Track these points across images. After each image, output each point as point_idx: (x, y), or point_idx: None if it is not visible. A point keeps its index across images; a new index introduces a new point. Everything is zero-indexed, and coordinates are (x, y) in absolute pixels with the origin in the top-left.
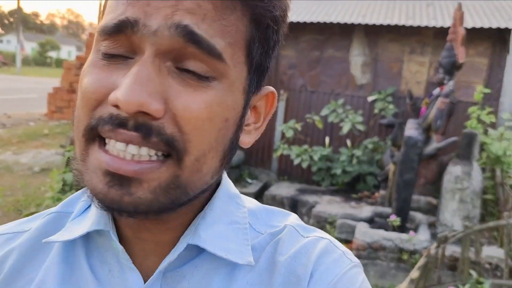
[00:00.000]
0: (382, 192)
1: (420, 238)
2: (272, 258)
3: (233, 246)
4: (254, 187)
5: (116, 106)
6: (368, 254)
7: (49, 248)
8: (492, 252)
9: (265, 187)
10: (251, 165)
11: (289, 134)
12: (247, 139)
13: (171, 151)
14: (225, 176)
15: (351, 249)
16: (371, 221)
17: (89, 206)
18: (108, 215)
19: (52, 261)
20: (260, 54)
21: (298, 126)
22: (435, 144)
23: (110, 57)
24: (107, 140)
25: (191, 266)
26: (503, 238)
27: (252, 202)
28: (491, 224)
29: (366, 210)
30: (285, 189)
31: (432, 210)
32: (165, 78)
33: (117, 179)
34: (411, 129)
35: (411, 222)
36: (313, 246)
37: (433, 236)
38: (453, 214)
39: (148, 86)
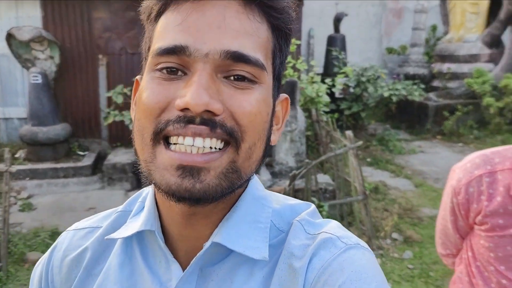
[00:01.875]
0: None
1: (263, 179)
2: (280, 255)
3: (252, 243)
4: (89, 159)
5: (184, 110)
6: None
7: (114, 242)
8: (320, 179)
9: (100, 157)
10: (79, 137)
11: (119, 100)
12: (273, 137)
13: (231, 140)
14: (254, 179)
15: None
16: None
17: (143, 207)
18: (156, 216)
19: (114, 253)
20: (280, 63)
21: (127, 91)
22: None
23: (169, 72)
24: (174, 139)
25: (221, 262)
26: (328, 166)
27: (279, 202)
28: (323, 157)
29: None
30: (123, 156)
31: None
32: (218, 85)
33: (188, 170)
34: None
35: None
36: (312, 241)
37: (272, 174)
38: (286, 153)
39: (209, 90)
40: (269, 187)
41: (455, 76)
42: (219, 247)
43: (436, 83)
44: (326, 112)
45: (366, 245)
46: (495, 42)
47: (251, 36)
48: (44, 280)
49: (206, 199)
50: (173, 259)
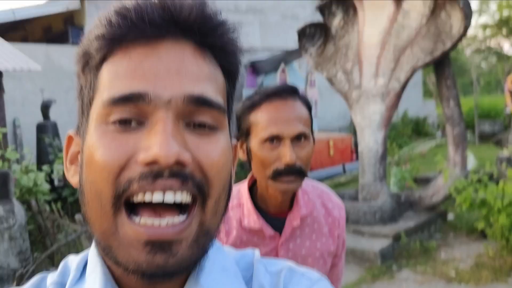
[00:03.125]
0: None
1: None
2: None
3: (230, 284)
4: None
5: (149, 164)
6: None
7: None
8: None
9: None
10: None
11: None
12: None
13: (198, 195)
14: None
15: None
16: None
17: (80, 275)
18: (113, 284)
19: None
20: (230, 108)
21: None
22: None
23: (124, 123)
24: (140, 196)
25: None
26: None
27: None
28: (54, 247)
29: None
30: None
31: None
32: (183, 134)
33: (158, 245)
34: None
35: None
36: (278, 277)
37: None
38: (6, 253)
39: (176, 139)
40: None
41: None
42: None
43: None
44: (48, 202)
45: None
46: None
47: (210, 80)
48: None
49: (181, 272)
50: None
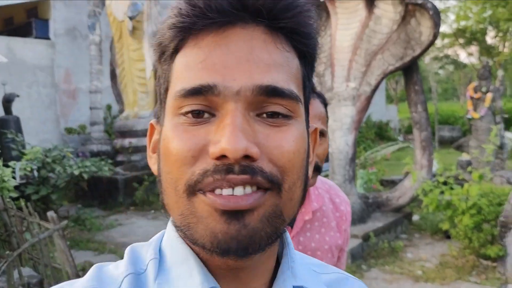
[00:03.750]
0: None
1: None
2: None
3: (315, 283)
4: None
5: (220, 158)
6: None
7: None
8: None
9: None
10: None
11: None
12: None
13: (271, 186)
14: None
15: None
16: None
17: (158, 264)
18: (207, 271)
19: None
20: (308, 93)
21: None
22: None
23: (197, 115)
24: (216, 191)
25: None
26: (26, 257)
27: None
28: (27, 244)
29: None
30: None
31: None
32: (253, 125)
33: (233, 214)
34: None
35: None
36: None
37: None
38: None
39: (245, 133)
40: None
41: (137, 150)
42: None
43: (120, 157)
44: (13, 199)
45: None
46: None
47: (282, 67)
48: None
49: (253, 247)
50: None
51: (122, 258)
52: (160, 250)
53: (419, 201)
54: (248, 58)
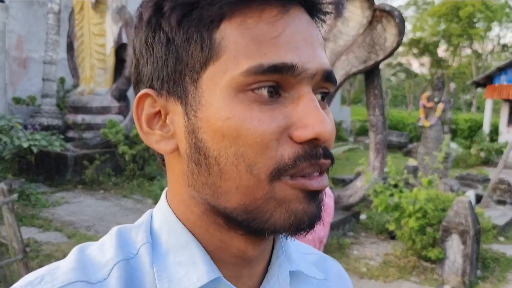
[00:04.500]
0: None
1: None
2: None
3: (309, 266)
4: None
5: (307, 141)
6: None
7: None
8: None
9: None
10: None
11: None
12: None
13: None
14: None
15: None
16: None
17: (151, 248)
18: (209, 259)
19: None
20: None
21: None
22: None
23: (264, 95)
24: (308, 175)
25: None
26: None
27: None
28: None
29: None
30: None
31: None
32: None
33: (314, 195)
34: None
35: None
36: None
37: None
38: None
39: (326, 115)
40: None
41: (90, 127)
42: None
43: (72, 133)
44: None
45: None
46: (122, 96)
47: (324, 49)
48: None
49: (317, 221)
50: None
51: (68, 237)
52: (152, 234)
53: (368, 201)
54: (312, 40)
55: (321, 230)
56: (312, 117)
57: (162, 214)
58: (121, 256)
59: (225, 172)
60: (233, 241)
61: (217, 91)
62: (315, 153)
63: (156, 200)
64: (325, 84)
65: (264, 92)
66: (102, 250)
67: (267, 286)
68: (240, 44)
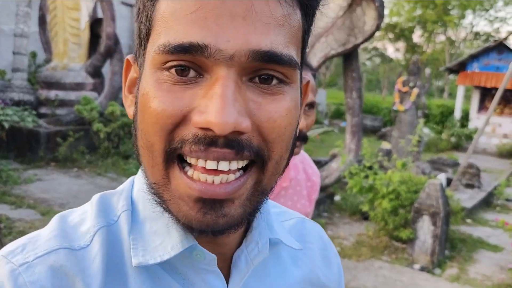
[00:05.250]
0: None
1: None
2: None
3: (287, 235)
4: None
5: (204, 128)
6: None
7: (123, 270)
8: None
9: None
10: None
11: None
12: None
13: (257, 159)
14: None
15: None
16: None
17: (130, 216)
18: (185, 230)
19: (136, 281)
20: (305, 47)
21: None
22: None
23: (180, 72)
24: (193, 161)
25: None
26: None
27: None
28: None
29: None
30: None
31: None
32: (244, 93)
33: (210, 204)
34: None
35: None
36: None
37: None
38: None
39: (235, 105)
40: None
41: (63, 103)
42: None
43: (44, 110)
44: None
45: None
46: (97, 73)
47: (282, 28)
48: None
49: (232, 229)
50: (216, 270)
51: (42, 214)
52: (132, 202)
53: (342, 182)
54: (245, 15)
55: (307, 206)
56: (210, 104)
57: (139, 183)
58: (102, 222)
59: (140, 147)
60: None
61: (147, 66)
62: (207, 138)
63: None
64: (268, 66)
65: (173, 71)
66: (84, 218)
67: (245, 250)
68: (164, 19)
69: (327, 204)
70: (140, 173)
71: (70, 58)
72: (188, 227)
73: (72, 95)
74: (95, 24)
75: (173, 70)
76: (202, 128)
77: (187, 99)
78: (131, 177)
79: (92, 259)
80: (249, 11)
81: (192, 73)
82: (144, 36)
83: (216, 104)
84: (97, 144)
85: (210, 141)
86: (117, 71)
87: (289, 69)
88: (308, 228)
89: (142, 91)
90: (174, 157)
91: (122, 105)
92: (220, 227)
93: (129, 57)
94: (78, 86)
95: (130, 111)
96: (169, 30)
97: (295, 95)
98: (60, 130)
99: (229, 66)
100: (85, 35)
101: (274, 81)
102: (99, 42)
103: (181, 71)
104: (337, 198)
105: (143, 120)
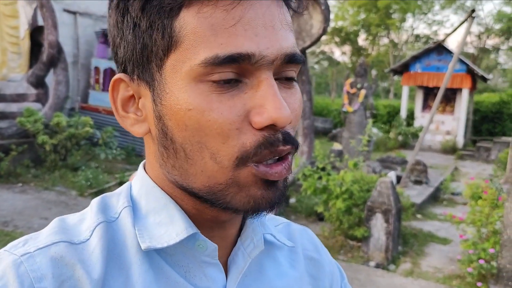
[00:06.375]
0: None
1: None
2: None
3: (279, 234)
4: None
5: (265, 127)
6: None
7: (126, 260)
8: None
9: None
10: None
11: None
12: None
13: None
14: None
15: None
16: None
17: (131, 211)
18: (187, 218)
19: (139, 270)
20: None
21: None
22: None
23: (223, 84)
24: (269, 161)
25: (267, 255)
26: None
27: None
28: None
29: None
30: None
31: None
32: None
33: (272, 182)
34: None
35: None
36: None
37: None
38: None
39: (283, 101)
40: None
41: (4, 116)
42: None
43: None
44: None
45: None
46: (40, 83)
47: (292, 32)
48: None
49: (277, 204)
50: (217, 262)
51: None
52: (132, 200)
53: (297, 185)
54: (273, 24)
55: None
56: (268, 103)
57: (140, 182)
58: (102, 218)
59: (190, 158)
60: (206, 209)
61: (179, 80)
62: (274, 140)
63: (81, 191)
64: (289, 67)
65: (223, 82)
66: (83, 218)
67: (241, 246)
68: (198, 34)
69: (282, 207)
70: (139, 175)
71: (9, 68)
72: (247, 211)
73: (13, 107)
74: (36, 32)
75: (220, 82)
76: (263, 129)
77: (239, 105)
78: (127, 182)
79: (92, 250)
80: (275, 21)
81: (233, 82)
82: (157, 52)
83: (273, 102)
84: (43, 157)
85: (277, 140)
86: (62, 80)
87: (299, 67)
88: (293, 229)
89: (181, 106)
90: (249, 162)
91: (69, 115)
92: (274, 200)
93: (121, 76)
94: (20, 97)
95: (136, 129)
96: (209, 44)
97: (298, 86)
98: (1, 144)
99: (269, 69)
100: (25, 44)
101: (291, 79)
102: (41, 50)
103: (228, 81)
104: (292, 200)
105: (198, 134)
